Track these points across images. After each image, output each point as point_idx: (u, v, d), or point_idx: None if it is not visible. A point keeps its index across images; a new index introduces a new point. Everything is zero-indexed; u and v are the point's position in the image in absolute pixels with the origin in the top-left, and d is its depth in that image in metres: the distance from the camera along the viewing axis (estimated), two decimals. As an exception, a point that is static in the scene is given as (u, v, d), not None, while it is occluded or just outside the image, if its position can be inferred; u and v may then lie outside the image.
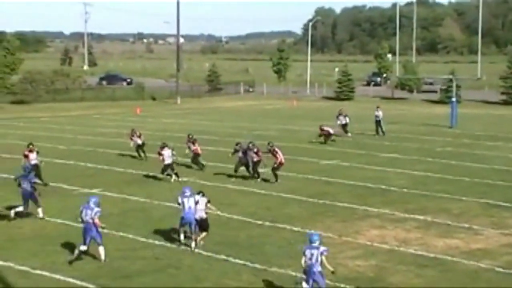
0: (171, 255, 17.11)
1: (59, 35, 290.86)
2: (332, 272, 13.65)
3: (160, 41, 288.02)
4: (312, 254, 13.64)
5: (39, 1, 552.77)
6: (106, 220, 17.78)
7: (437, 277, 15.72)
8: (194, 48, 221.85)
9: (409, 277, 15.69)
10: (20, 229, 19.53)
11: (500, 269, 16.20)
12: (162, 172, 26.44)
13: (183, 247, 17.53)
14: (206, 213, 17.79)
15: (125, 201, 22.58)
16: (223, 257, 16.87)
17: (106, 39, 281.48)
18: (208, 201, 17.96)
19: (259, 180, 26.20)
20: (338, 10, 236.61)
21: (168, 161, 26.16)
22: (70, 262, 16.20)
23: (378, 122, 40.85)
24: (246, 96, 78.57)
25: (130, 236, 18.59)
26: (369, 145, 36.80)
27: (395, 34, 65.01)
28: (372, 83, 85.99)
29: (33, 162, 24.47)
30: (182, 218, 17.51)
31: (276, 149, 26.18)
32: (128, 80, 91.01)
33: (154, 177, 27.03)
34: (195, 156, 28.90)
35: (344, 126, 40.00)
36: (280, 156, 26.01)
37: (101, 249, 16.44)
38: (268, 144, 26.60)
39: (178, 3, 70.00)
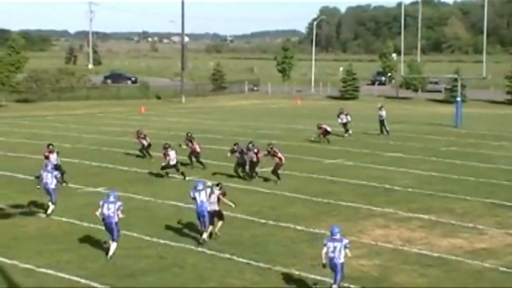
0: (175, 254, 17.16)
1: (64, 34, 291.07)
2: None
3: (165, 40, 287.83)
4: (335, 247, 13.68)
5: (45, 0, 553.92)
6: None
7: (441, 277, 15.71)
8: (199, 47, 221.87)
9: (413, 276, 15.69)
10: (25, 228, 19.58)
11: (505, 269, 16.18)
12: (162, 169, 26.67)
13: (200, 240, 17.69)
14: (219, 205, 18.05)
15: (130, 199, 22.60)
16: (227, 256, 16.90)
17: (111, 38, 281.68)
18: (224, 194, 18.16)
19: (256, 177, 26.23)
20: (343, 9, 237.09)
21: (173, 162, 26.42)
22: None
23: (381, 122, 40.84)
24: (250, 95, 78.58)
25: (135, 234, 18.62)
26: (374, 144, 36.75)
27: (400, 33, 65.03)
28: (377, 82, 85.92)
29: (54, 163, 24.08)
30: (196, 212, 17.87)
31: (276, 150, 26.17)
32: (133, 79, 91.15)
33: (158, 176, 27.08)
34: (196, 154, 29.00)
35: (344, 124, 39.95)
36: (281, 156, 26.01)
37: (114, 245, 16.68)
38: (268, 145, 26.60)
39: (183, 2, 70.12)
